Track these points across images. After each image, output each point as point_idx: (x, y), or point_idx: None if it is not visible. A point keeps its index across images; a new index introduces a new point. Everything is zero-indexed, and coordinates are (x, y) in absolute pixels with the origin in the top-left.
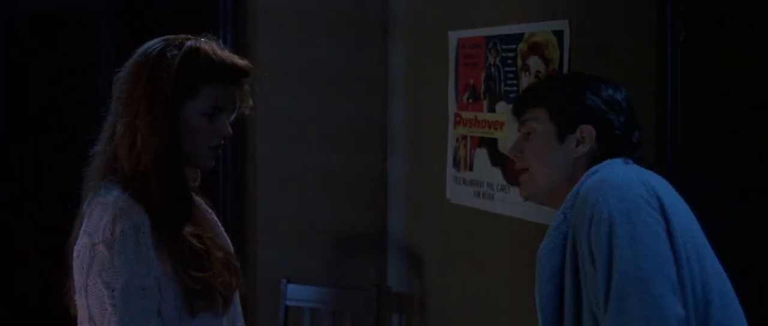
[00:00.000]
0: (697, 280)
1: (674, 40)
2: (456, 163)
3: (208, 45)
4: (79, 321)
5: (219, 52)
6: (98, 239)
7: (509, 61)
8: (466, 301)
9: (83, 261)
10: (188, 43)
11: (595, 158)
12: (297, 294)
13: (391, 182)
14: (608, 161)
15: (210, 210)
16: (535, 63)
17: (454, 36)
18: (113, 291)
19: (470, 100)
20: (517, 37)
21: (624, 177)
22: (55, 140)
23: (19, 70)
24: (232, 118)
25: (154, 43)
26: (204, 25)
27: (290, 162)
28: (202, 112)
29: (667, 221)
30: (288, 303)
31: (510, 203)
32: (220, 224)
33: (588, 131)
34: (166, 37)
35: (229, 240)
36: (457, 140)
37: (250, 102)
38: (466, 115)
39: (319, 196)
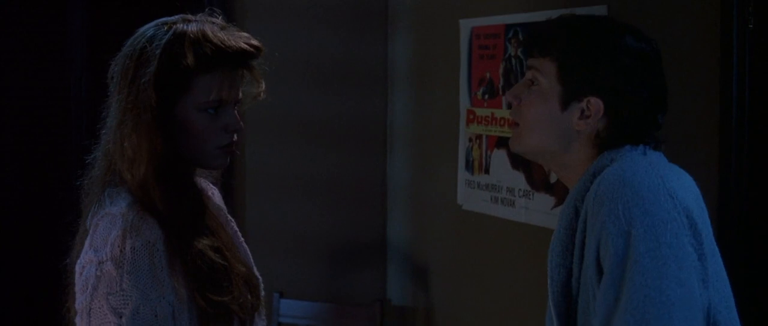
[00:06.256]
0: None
1: (741, 29)
2: (469, 166)
3: (200, 26)
4: None
5: (211, 33)
6: (105, 256)
7: None
8: (479, 319)
9: (88, 279)
10: (175, 26)
11: (600, 137)
12: (291, 309)
13: (392, 186)
14: (629, 151)
15: (231, 219)
16: None
17: (466, 24)
18: (121, 317)
19: (486, 96)
20: None
21: (649, 185)
22: (24, 124)
23: None
24: (239, 104)
25: (145, 30)
26: (186, 9)
27: (280, 164)
28: (200, 107)
29: (699, 242)
30: (281, 319)
31: (535, 211)
32: (239, 233)
33: (595, 106)
34: (160, 20)
35: (248, 251)
36: (470, 140)
37: (263, 85)
38: (481, 112)
39: (312, 202)
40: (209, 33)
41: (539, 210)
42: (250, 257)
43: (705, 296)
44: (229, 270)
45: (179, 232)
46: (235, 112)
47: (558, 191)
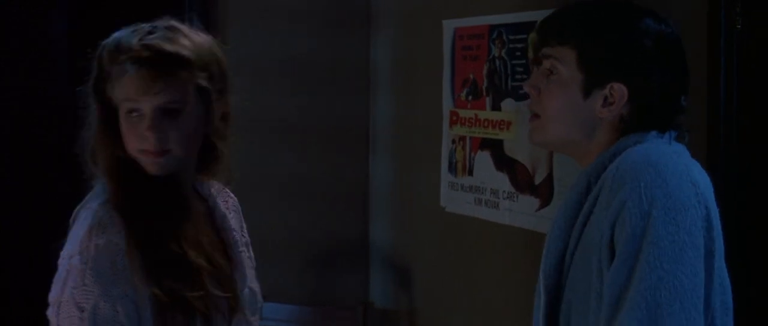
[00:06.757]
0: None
1: (729, 30)
2: (452, 167)
3: (123, 34)
4: None
5: (126, 40)
6: (75, 251)
7: (518, 53)
8: (463, 322)
9: (60, 273)
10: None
11: (624, 121)
12: (273, 313)
13: (374, 188)
14: (654, 137)
15: (235, 229)
16: None
17: (449, 25)
18: (83, 312)
19: (470, 97)
20: (529, 26)
21: (674, 169)
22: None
23: None
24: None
25: None
26: (168, 11)
27: (262, 166)
28: (122, 109)
29: (711, 238)
30: (263, 323)
31: (519, 213)
32: (240, 243)
33: (619, 91)
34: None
35: (244, 263)
36: (454, 141)
37: (191, 98)
38: (465, 113)
39: (294, 204)
40: (123, 40)
41: (523, 213)
42: (246, 269)
43: (706, 292)
44: (185, 259)
45: (137, 222)
46: (154, 117)
47: (542, 193)
